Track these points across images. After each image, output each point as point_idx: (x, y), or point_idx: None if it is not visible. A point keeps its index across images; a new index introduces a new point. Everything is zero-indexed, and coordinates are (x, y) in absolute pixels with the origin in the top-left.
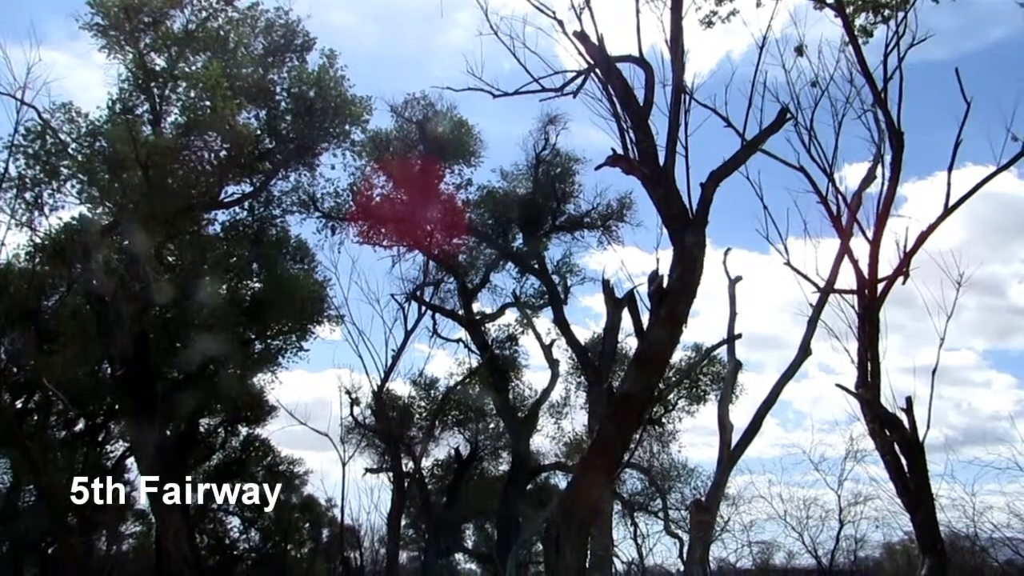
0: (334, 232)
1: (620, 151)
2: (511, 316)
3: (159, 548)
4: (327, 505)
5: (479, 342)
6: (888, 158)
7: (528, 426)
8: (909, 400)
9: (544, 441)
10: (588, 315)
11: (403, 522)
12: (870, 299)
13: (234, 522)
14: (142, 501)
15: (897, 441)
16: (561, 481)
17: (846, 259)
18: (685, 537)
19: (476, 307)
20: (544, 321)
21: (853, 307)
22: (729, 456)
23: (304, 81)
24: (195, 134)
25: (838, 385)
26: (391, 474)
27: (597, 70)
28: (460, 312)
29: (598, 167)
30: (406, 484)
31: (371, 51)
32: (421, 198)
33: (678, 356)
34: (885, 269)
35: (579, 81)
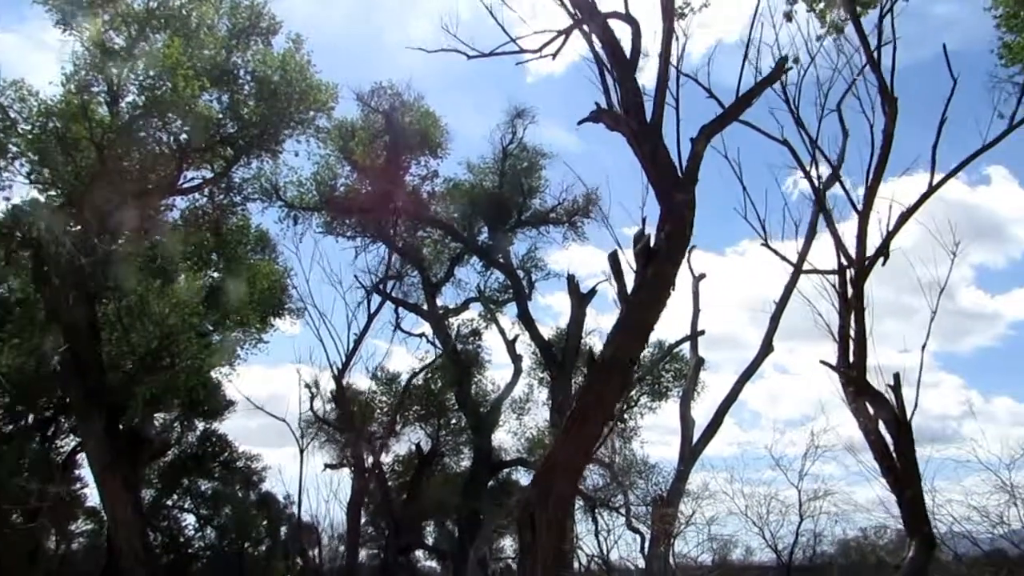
0: (296, 222)
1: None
2: (475, 311)
3: (110, 546)
4: (286, 502)
5: (442, 337)
6: (880, 126)
7: (490, 422)
8: (896, 377)
9: (506, 437)
10: (549, 314)
11: (362, 519)
12: (857, 273)
13: (189, 519)
14: (93, 499)
15: (883, 419)
16: (524, 477)
17: (826, 241)
18: (647, 532)
19: (440, 301)
20: (508, 317)
21: (834, 286)
22: (691, 451)
23: (268, 64)
24: (154, 115)
25: (822, 362)
26: (352, 468)
27: (584, 25)
28: (424, 306)
29: (581, 121)
30: (367, 479)
31: (338, 41)
32: (386, 189)
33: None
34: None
35: (560, 42)
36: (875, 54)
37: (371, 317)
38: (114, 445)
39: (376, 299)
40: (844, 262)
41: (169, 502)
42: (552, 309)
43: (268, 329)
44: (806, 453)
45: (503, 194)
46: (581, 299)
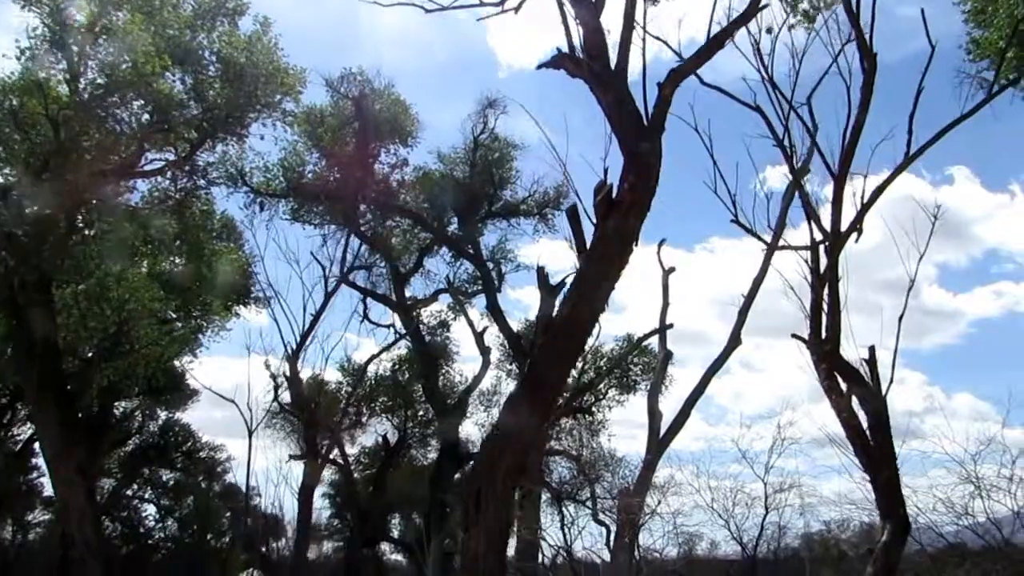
0: (263, 208)
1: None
2: (444, 303)
3: (63, 536)
4: (251, 493)
5: (410, 328)
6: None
7: (457, 414)
8: (872, 350)
9: (474, 429)
10: (519, 307)
11: (327, 512)
12: (832, 244)
13: (150, 510)
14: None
15: (857, 396)
16: None
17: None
18: (613, 525)
19: (408, 292)
20: (476, 310)
21: (807, 261)
22: (658, 444)
23: (234, 46)
24: (115, 94)
25: (794, 335)
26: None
27: None
28: (392, 297)
29: (540, 66)
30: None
31: (309, 31)
32: (355, 176)
33: (608, 346)
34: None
35: None
36: (854, 4)
37: (328, 296)
38: (68, 432)
39: (333, 279)
40: (817, 236)
41: (129, 492)
42: (522, 303)
43: (231, 317)
44: (772, 446)
45: (473, 184)
46: (551, 291)
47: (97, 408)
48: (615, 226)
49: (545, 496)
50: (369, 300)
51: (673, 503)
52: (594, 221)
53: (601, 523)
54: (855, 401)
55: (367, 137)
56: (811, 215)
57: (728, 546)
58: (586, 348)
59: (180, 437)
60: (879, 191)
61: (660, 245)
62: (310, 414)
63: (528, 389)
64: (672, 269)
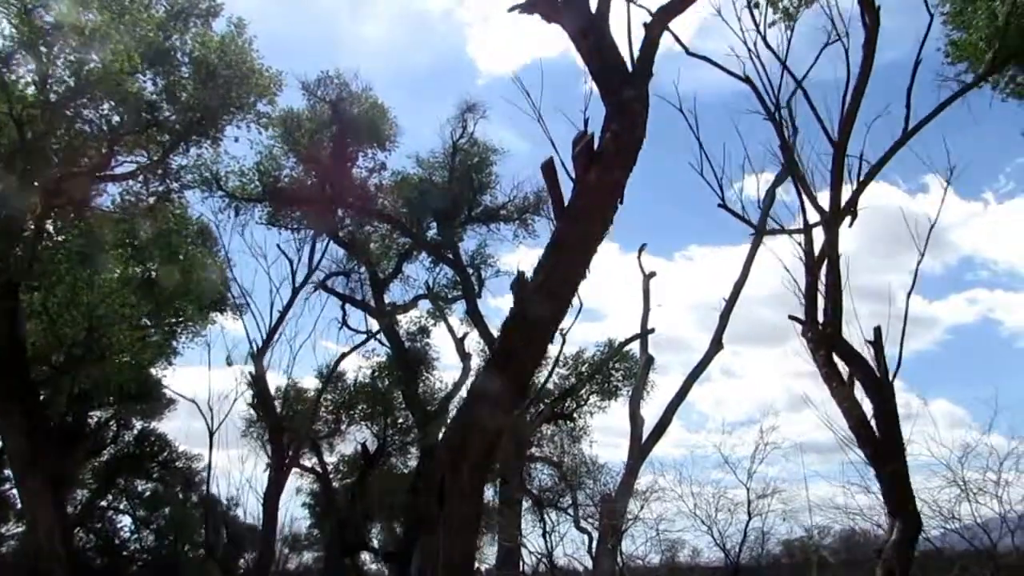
0: (238, 213)
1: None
2: (423, 309)
3: (32, 548)
4: (228, 504)
5: (390, 334)
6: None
7: (438, 421)
8: (878, 331)
9: None
10: (499, 315)
11: (307, 522)
12: (830, 219)
13: (125, 521)
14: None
15: (861, 381)
16: None
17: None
18: (595, 532)
19: (387, 298)
20: (456, 316)
21: (800, 244)
22: (640, 450)
23: (207, 46)
24: (84, 95)
25: (791, 317)
26: (295, 469)
27: None
28: (371, 303)
29: (511, 9)
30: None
31: (287, 38)
32: (332, 181)
33: (589, 351)
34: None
35: None
36: None
37: (295, 291)
38: (36, 442)
39: (302, 272)
40: (812, 218)
41: (104, 503)
42: (502, 310)
43: (207, 324)
44: (755, 451)
45: (453, 189)
46: None
47: (71, 417)
48: (597, 179)
49: (526, 503)
50: (348, 307)
51: (655, 509)
52: (573, 177)
53: (583, 530)
54: (858, 389)
55: (344, 141)
56: (805, 190)
57: (711, 552)
58: (563, 334)
59: (156, 447)
60: (877, 168)
61: (641, 250)
62: (274, 414)
63: (497, 368)
64: (653, 274)
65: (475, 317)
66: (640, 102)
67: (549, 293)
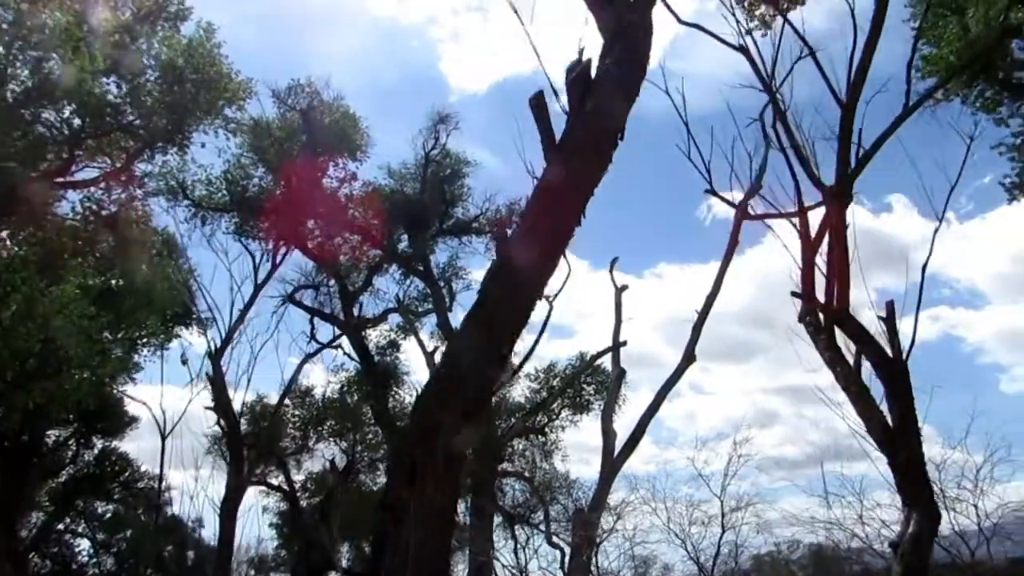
0: (204, 223)
1: None
2: (393, 322)
3: None
4: (194, 526)
5: (359, 348)
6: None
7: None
8: (891, 306)
9: None
10: None
11: (274, 542)
12: (837, 186)
13: (83, 544)
14: None
15: (872, 361)
16: None
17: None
18: (567, 548)
19: (357, 311)
20: (426, 332)
21: (794, 225)
22: (612, 464)
23: (173, 49)
24: (45, 97)
25: (793, 293)
26: (262, 487)
27: None
28: (340, 316)
29: None
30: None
31: (254, 51)
32: (302, 191)
33: (561, 365)
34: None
35: None
36: None
37: (257, 288)
38: None
39: (265, 269)
40: (808, 200)
41: (61, 526)
42: None
43: (171, 337)
44: (729, 462)
45: (424, 201)
46: None
47: (27, 437)
48: (595, 109)
49: (498, 518)
50: (318, 321)
51: (629, 523)
52: (567, 109)
53: (555, 546)
54: (868, 370)
55: (315, 150)
56: (801, 158)
57: (684, 567)
58: (549, 302)
59: (117, 467)
60: (880, 141)
61: (613, 263)
62: (233, 417)
63: (481, 323)
64: (625, 287)
65: (446, 331)
66: (643, 29)
67: (539, 239)
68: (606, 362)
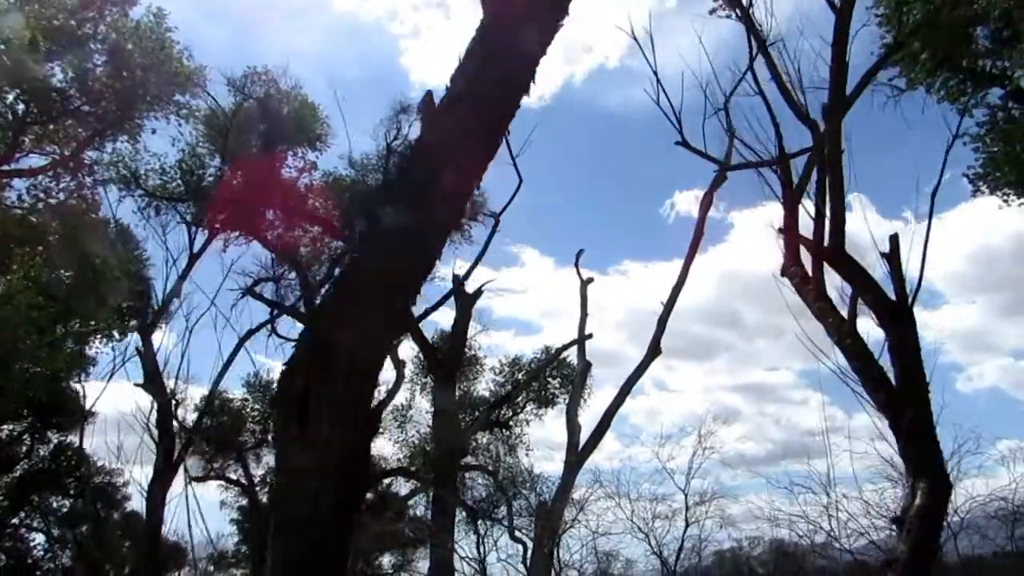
0: (158, 212)
1: None
2: None
3: None
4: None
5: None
6: None
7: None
8: (895, 240)
9: (386, 445)
10: (432, 326)
11: (235, 538)
12: (832, 102)
13: (39, 539)
14: None
15: (872, 307)
16: (403, 487)
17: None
18: (530, 543)
19: (317, 302)
20: None
21: (775, 171)
22: (577, 457)
23: (120, 31)
24: None
25: (779, 229)
26: (220, 481)
27: None
28: (301, 309)
29: None
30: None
31: (210, 45)
32: (260, 181)
33: (526, 358)
34: None
35: None
36: None
37: (193, 257)
38: None
39: (202, 238)
40: (793, 146)
41: (15, 520)
42: (438, 325)
43: (125, 331)
44: (693, 455)
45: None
46: (467, 300)
47: None
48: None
49: (460, 513)
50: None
51: (592, 518)
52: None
53: (518, 540)
54: (870, 320)
55: (273, 139)
56: (784, 91)
57: (647, 562)
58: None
59: (73, 462)
60: (869, 75)
61: (578, 255)
62: (163, 393)
63: (414, 184)
64: (591, 280)
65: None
66: None
67: (477, 103)
68: (572, 357)
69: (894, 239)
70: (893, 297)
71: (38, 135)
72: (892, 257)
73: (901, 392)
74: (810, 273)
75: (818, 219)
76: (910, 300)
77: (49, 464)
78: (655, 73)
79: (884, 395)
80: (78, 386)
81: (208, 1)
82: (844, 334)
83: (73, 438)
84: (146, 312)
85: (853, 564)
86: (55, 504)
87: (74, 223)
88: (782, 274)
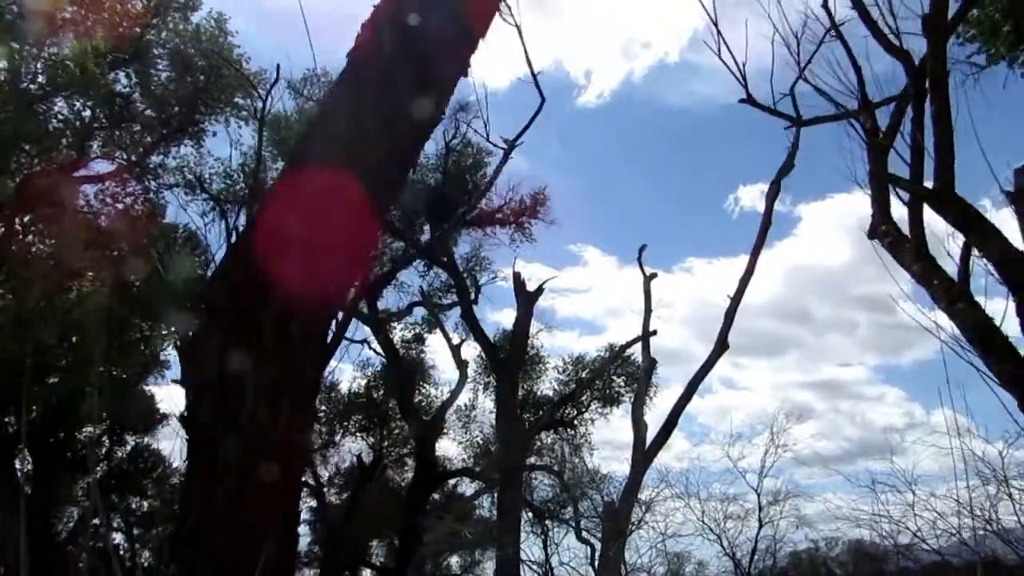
0: (224, 217)
1: None
2: (418, 316)
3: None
4: None
5: (384, 342)
6: None
7: (434, 430)
8: (1022, 176)
9: (451, 446)
10: (493, 326)
11: (307, 538)
12: (933, 21)
13: (119, 539)
14: None
15: (996, 259)
16: (468, 488)
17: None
18: (597, 544)
19: (381, 305)
20: (451, 326)
21: (853, 126)
22: (644, 456)
23: (181, 36)
24: (60, 90)
25: (871, 174)
26: None
27: None
28: (364, 311)
29: None
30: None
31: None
32: None
33: (590, 356)
34: None
35: None
36: None
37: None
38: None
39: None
40: (869, 96)
41: (97, 520)
42: (499, 322)
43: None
44: (766, 452)
45: (446, 192)
46: (528, 297)
47: (62, 434)
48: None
49: (526, 514)
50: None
51: (660, 519)
52: None
53: (585, 541)
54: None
55: None
56: (870, 23)
57: (718, 564)
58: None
59: (151, 463)
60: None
61: (641, 251)
62: None
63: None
64: (654, 275)
65: (470, 319)
66: None
67: None
68: (636, 355)
69: (1021, 174)
70: (1023, 247)
71: (105, 141)
72: (1019, 197)
73: None
74: (905, 231)
75: (916, 157)
76: None
77: (128, 466)
78: (715, 24)
79: (1011, 366)
80: (151, 388)
81: (264, 6)
82: (955, 297)
83: (150, 440)
84: None
85: (932, 565)
86: (133, 505)
87: (142, 227)
88: (870, 236)
